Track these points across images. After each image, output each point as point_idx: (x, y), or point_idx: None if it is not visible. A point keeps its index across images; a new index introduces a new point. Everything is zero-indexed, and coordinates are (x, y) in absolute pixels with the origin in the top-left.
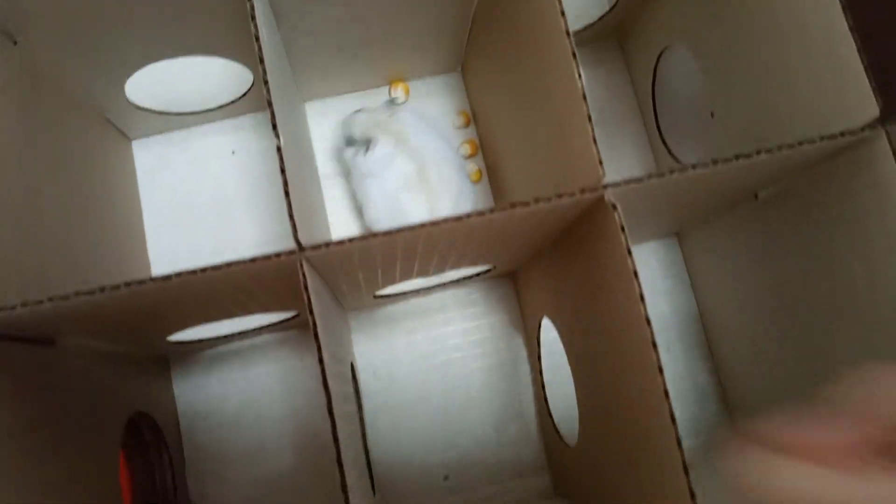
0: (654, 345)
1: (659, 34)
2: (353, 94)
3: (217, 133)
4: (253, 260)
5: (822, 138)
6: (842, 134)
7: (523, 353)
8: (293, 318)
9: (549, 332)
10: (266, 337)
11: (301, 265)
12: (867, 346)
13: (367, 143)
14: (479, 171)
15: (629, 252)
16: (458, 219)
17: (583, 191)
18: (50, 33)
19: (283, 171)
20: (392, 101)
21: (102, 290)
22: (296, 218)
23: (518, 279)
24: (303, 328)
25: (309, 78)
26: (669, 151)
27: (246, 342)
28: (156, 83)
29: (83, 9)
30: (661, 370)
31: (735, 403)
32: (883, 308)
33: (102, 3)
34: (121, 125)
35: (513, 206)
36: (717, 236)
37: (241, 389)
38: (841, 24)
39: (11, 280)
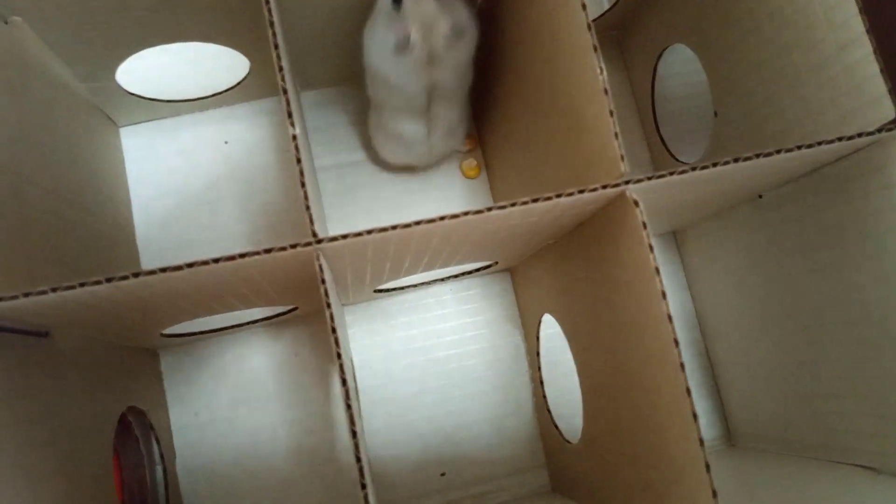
0: (676, 342)
1: (660, 33)
2: (352, 84)
3: (209, 122)
4: (268, 251)
5: (840, 139)
6: (859, 135)
7: (521, 348)
8: (289, 311)
9: (549, 329)
10: (259, 330)
11: (318, 257)
12: (873, 352)
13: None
14: (478, 167)
15: (651, 249)
16: (477, 212)
17: (605, 186)
18: (42, 12)
19: (298, 160)
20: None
21: (109, 279)
22: (312, 209)
23: (516, 274)
24: (298, 322)
25: (307, 66)
26: (668, 151)
27: (239, 335)
28: (147, 69)
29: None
30: (682, 367)
31: (730, 405)
32: (893, 315)
33: None
34: (109, 111)
35: (535, 200)
36: (717, 235)
37: (233, 384)
38: (856, 26)
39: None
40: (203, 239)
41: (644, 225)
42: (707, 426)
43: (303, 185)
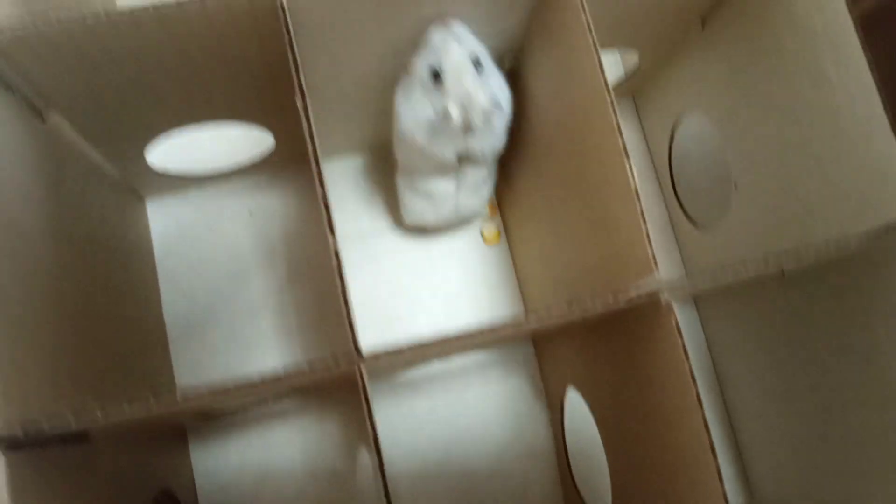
0: (713, 450)
1: (678, 101)
2: (373, 151)
3: (233, 193)
4: (311, 369)
5: (867, 234)
6: (886, 230)
7: (544, 417)
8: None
9: (574, 401)
10: (285, 404)
11: (360, 373)
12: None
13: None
14: (499, 233)
15: (686, 355)
16: (516, 324)
17: (639, 295)
18: (78, 105)
19: (341, 278)
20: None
21: (157, 398)
22: (355, 324)
23: (540, 345)
24: (324, 397)
25: (331, 135)
26: (685, 213)
27: (265, 409)
28: (175, 147)
29: (111, 84)
30: (718, 472)
31: (753, 473)
32: None
33: (131, 78)
34: (136, 186)
35: (570, 305)
36: (740, 307)
37: (259, 459)
38: (881, 120)
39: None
40: (229, 309)
41: (679, 331)
42: (731, 492)
43: (345, 301)
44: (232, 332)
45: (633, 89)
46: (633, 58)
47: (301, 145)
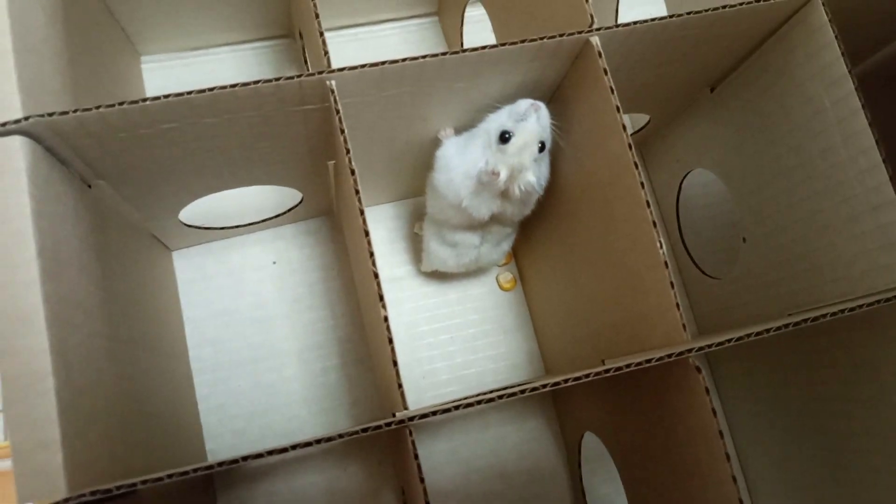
0: (741, 501)
1: (686, 154)
2: (388, 204)
3: (257, 243)
4: (364, 430)
5: (878, 301)
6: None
7: (560, 459)
8: None
9: (592, 446)
10: (310, 448)
11: (410, 435)
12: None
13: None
14: (514, 280)
15: (714, 413)
16: (554, 383)
17: (670, 356)
18: (123, 179)
19: (389, 340)
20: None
21: (196, 470)
22: (404, 387)
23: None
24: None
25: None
26: (694, 262)
27: (289, 454)
28: (205, 204)
29: (158, 159)
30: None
31: None
32: None
33: (177, 154)
34: (165, 239)
35: (604, 365)
36: (751, 353)
37: (285, 502)
38: (889, 192)
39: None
40: (254, 356)
41: (707, 391)
42: None
43: (394, 363)
44: (256, 379)
45: (641, 141)
46: (643, 116)
47: (325, 199)
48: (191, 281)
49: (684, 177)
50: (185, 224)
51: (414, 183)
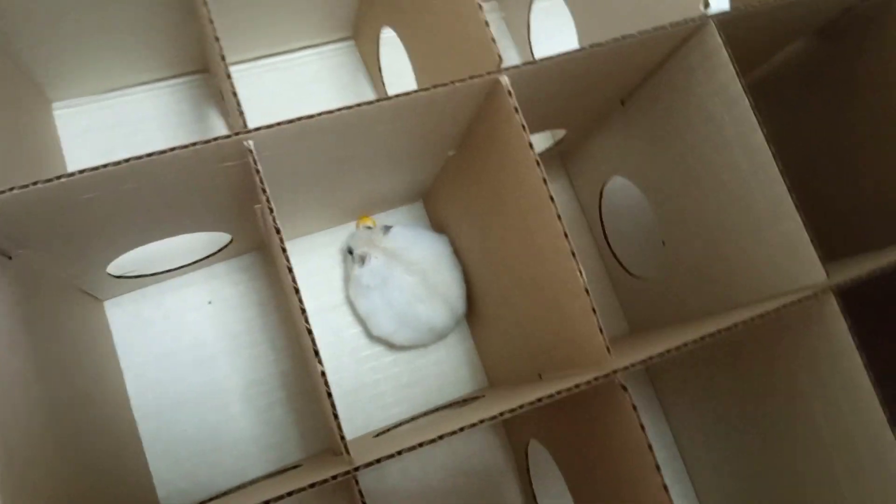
0: (666, 489)
1: (603, 164)
2: (324, 231)
3: (191, 284)
4: (312, 485)
5: (783, 306)
6: (799, 300)
7: (510, 466)
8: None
9: (538, 451)
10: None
11: (356, 483)
12: (826, 467)
13: (361, 257)
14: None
15: (642, 427)
16: (491, 419)
17: (596, 378)
18: (46, 247)
19: (329, 395)
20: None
21: None
22: (344, 430)
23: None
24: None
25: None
26: (620, 264)
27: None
28: (133, 256)
29: (81, 225)
30: None
31: None
32: (840, 440)
33: (101, 218)
34: (95, 292)
35: (538, 397)
36: (688, 365)
37: None
38: (787, 202)
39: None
40: (198, 397)
41: (634, 408)
42: None
43: (335, 416)
44: (202, 420)
45: (561, 152)
46: (560, 131)
47: (256, 237)
48: (126, 328)
49: (605, 184)
50: (114, 276)
51: (346, 210)
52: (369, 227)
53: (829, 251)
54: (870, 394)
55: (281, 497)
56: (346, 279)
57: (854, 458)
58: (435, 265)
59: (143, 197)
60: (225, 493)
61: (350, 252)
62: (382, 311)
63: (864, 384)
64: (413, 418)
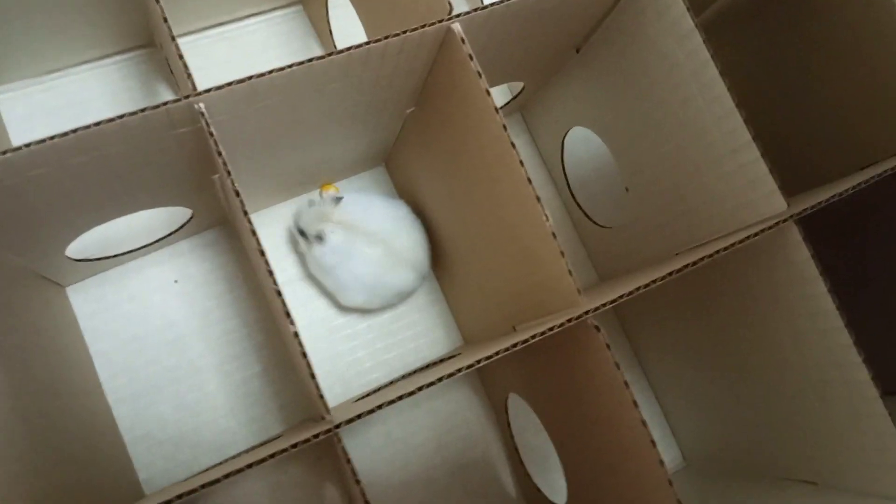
0: (653, 443)
1: (563, 115)
2: (285, 202)
3: (155, 264)
4: (294, 445)
5: (748, 237)
6: (762, 230)
7: (490, 421)
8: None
9: (518, 405)
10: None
11: (339, 440)
12: (796, 391)
13: (318, 236)
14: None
15: (618, 366)
16: (468, 367)
17: (570, 320)
18: None
19: (304, 354)
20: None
21: None
22: (323, 391)
23: None
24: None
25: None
26: (585, 214)
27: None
28: (92, 237)
29: (31, 206)
30: (661, 462)
31: (680, 436)
32: (808, 364)
33: (52, 198)
34: (54, 277)
35: (512, 343)
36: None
37: None
38: (743, 134)
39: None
40: (173, 377)
41: (608, 347)
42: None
43: (312, 375)
44: (179, 401)
45: (521, 106)
46: (517, 84)
47: (217, 210)
48: (91, 314)
49: (565, 135)
50: (74, 259)
51: (306, 178)
52: (313, 203)
53: (790, 185)
54: (835, 318)
55: (263, 460)
56: (303, 257)
57: (823, 382)
58: (395, 232)
59: (94, 171)
60: (208, 470)
61: (302, 233)
62: (350, 285)
63: (829, 308)
64: (391, 382)
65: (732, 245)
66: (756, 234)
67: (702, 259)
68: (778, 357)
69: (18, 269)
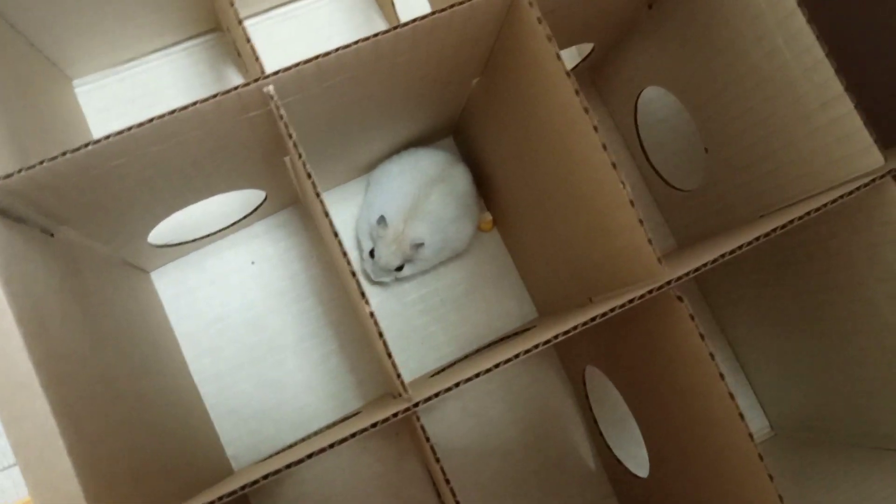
0: (742, 416)
1: (636, 75)
2: (356, 180)
3: (231, 246)
4: (374, 424)
5: (842, 196)
6: (857, 188)
7: (567, 393)
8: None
9: (595, 376)
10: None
11: (417, 419)
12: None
13: (397, 269)
14: (491, 221)
15: (703, 337)
16: (546, 342)
17: (651, 291)
18: (84, 220)
19: (380, 334)
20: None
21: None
22: (402, 374)
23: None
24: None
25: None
26: (661, 177)
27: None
28: (172, 223)
29: (115, 194)
30: (751, 436)
31: (767, 404)
32: None
33: (132, 186)
34: (141, 264)
35: (591, 316)
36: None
37: (314, 489)
38: (836, 86)
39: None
40: (254, 356)
41: (693, 318)
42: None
43: (389, 355)
44: (261, 378)
45: (591, 67)
46: (586, 46)
47: (290, 191)
48: (175, 297)
49: (638, 96)
50: (156, 245)
51: (374, 156)
52: (383, 234)
53: (887, 139)
54: None
55: (345, 439)
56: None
57: None
58: (456, 234)
59: (171, 158)
60: (292, 446)
61: (371, 254)
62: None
63: None
64: (466, 356)
65: (825, 205)
66: (851, 193)
67: (791, 221)
68: (875, 321)
69: (106, 257)
